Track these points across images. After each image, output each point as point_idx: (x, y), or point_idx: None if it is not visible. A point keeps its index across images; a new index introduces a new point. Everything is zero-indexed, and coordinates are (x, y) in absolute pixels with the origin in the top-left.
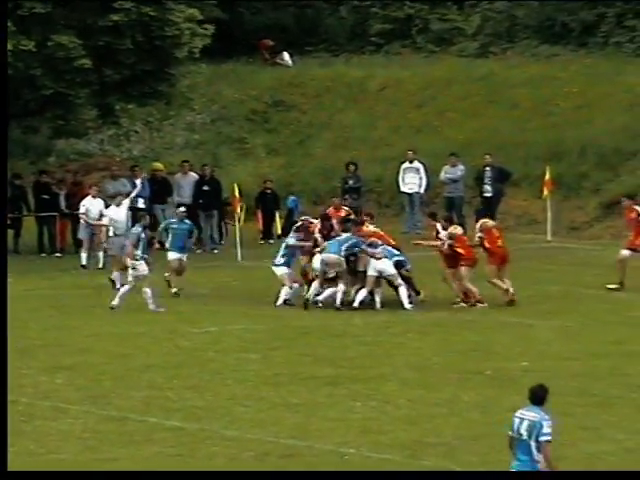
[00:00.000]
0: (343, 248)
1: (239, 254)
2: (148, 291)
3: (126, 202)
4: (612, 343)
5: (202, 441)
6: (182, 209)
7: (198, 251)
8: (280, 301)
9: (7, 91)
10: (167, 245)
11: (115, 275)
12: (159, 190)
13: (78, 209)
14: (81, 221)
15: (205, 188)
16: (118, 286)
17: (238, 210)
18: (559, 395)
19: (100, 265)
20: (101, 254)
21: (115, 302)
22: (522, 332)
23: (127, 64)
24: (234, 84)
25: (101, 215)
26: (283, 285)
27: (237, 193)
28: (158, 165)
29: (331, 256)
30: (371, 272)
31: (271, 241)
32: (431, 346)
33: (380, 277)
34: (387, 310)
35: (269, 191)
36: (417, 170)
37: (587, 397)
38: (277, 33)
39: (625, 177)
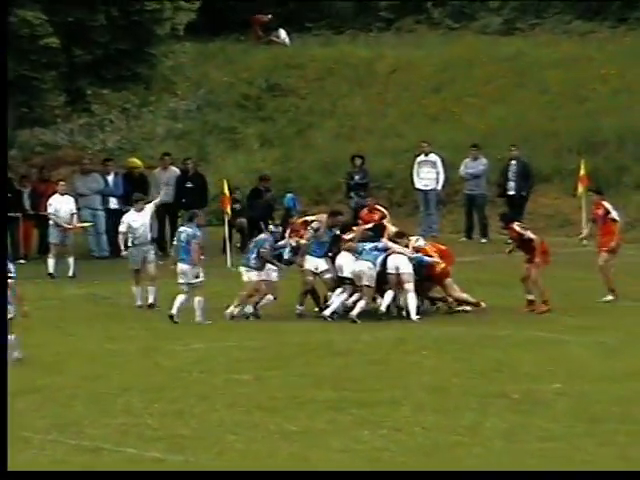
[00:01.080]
0: (379, 261)
1: (229, 260)
2: (202, 300)
3: (150, 207)
4: None
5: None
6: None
7: None
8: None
9: (7, 92)
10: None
11: (135, 290)
12: (135, 190)
13: (44, 209)
14: (50, 222)
15: (188, 185)
16: (139, 303)
17: (228, 210)
18: (598, 422)
19: (70, 273)
20: (71, 260)
21: (174, 311)
22: (554, 349)
23: (100, 43)
24: (223, 66)
25: (72, 215)
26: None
27: (226, 190)
28: (135, 161)
29: (363, 266)
30: (389, 269)
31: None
32: (449, 365)
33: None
34: (398, 324)
35: (264, 189)
36: (433, 164)
37: (630, 424)
38: (272, 7)
39: None
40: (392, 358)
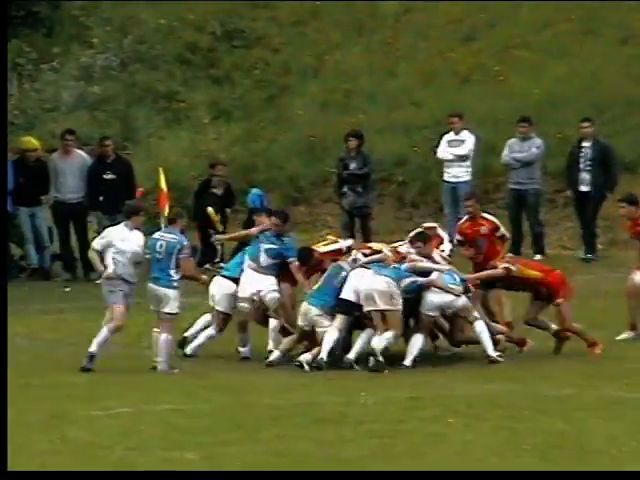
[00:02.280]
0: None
1: None
2: (169, 340)
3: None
4: None
5: None
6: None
7: (99, 281)
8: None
9: (6, 85)
10: None
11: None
12: (30, 181)
13: None
14: None
15: (108, 176)
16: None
17: (166, 211)
18: None
19: None
20: None
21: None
22: (638, 416)
23: None
24: (159, 4)
25: None
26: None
27: (163, 184)
28: (31, 142)
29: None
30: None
31: (221, 263)
32: (487, 440)
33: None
34: (411, 378)
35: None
36: (463, 144)
37: None
38: None
39: None
40: (403, 429)
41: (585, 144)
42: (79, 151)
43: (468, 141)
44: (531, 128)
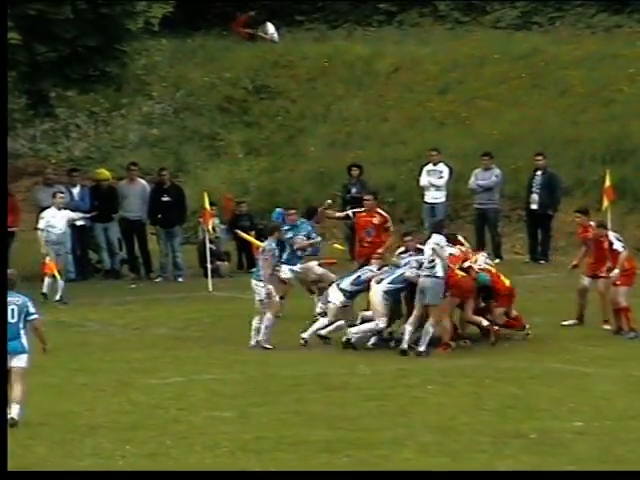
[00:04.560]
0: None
1: (210, 283)
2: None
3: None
4: None
5: None
6: (292, 211)
7: (158, 279)
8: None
9: (6, 92)
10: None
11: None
12: (103, 204)
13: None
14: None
15: (165, 199)
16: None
17: (210, 227)
18: (623, 464)
19: (57, 297)
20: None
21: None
22: (575, 383)
23: (65, 39)
24: (203, 64)
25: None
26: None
27: (207, 204)
28: (104, 173)
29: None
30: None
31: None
32: (457, 401)
33: None
34: (400, 355)
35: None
36: (440, 173)
37: None
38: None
39: None
40: (393, 393)
41: (538, 172)
42: (141, 180)
43: (444, 172)
44: (492, 161)
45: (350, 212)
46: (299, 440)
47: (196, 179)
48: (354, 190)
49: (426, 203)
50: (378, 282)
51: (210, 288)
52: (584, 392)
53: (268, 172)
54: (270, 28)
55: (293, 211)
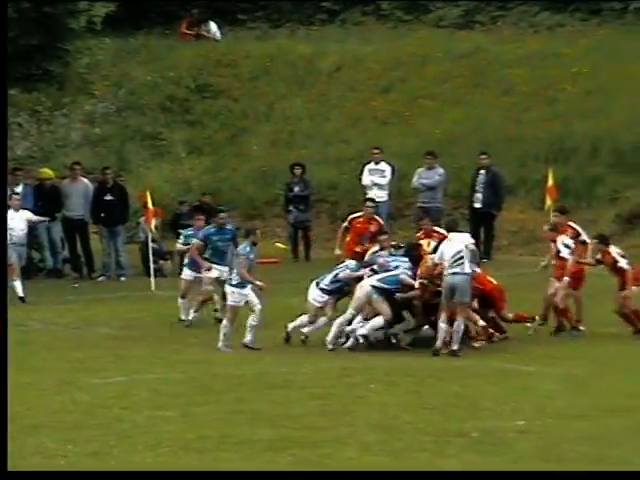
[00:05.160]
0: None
1: (152, 282)
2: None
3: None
4: (631, 396)
5: None
6: (223, 214)
7: (100, 279)
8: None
9: (6, 87)
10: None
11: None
12: (46, 203)
13: None
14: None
15: (108, 198)
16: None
17: (152, 226)
18: (565, 463)
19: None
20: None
21: (220, 344)
22: (517, 382)
23: (8, 37)
24: (146, 63)
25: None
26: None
27: (150, 204)
28: (46, 172)
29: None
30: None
31: None
32: (400, 400)
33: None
34: (344, 353)
35: (207, 207)
36: (382, 172)
37: (601, 466)
38: None
39: None
40: (336, 392)
41: (481, 171)
42: (83, 179)
43: (387, 171)
44: (435, 160)
45: (346, 223)
46: (242, 439)
47: (139, 178)
48: (297, 189)
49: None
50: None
51: (153, 287)
52: (526, 391)
53: (211, 171)
54: (213, 27)
55: (223, 215)
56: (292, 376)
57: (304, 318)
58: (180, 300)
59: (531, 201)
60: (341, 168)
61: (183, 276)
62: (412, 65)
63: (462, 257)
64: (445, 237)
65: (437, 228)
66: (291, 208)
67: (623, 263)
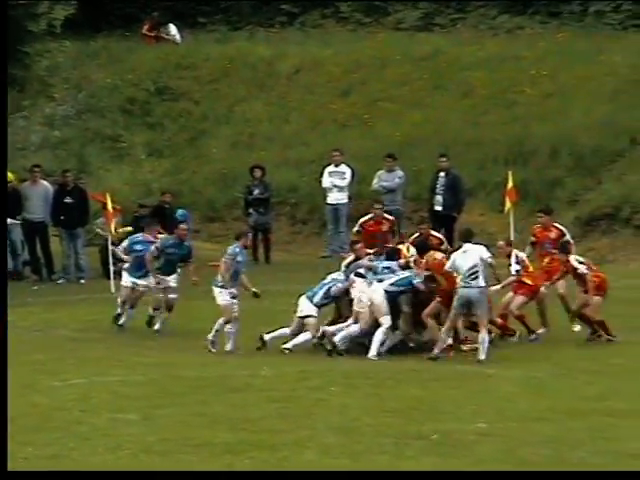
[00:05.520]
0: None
1: (112, 285)
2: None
3: None
4: (592, 399)
5: None
6: (184, 226)
7: (60, 281)
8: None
9: (6, 90)
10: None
11: None
12: (7, 206)
13: None
14: None
15: (68, 200)
16: None
17: (112, 227)
18: (525, 465)
19: None
20: None
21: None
22: (478, 385)
23: None
24: (106, 66)
25: None
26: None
27: (110, 206)
28: (7, 175)
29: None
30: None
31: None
32: (360, 403)
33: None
34: (303, 356)
35: (167, 206)
36: (342, 175)
37: (561, 468)
38: (161, 1)
39: (608, 184)
40: (296, 395)
41: (441, 174)
42: (43, 181)
43: (347, 173)
44: (395, 162)
45: (357, 227)
46: (202, 442)
47: (99, 181)
48: (256, 191)
49: (328, 204)
50: (379, 281)
51: (112, 290)
52: (487, 394)
53: (171, 173)
54: (172, 30)
55: (183, 226)
56: (252, 379)
57: (285, 331)
58: (130, 311)
59: (491, 204)
60: (301, 170)
61: (123, 283)
62: (372, 68)
63: (477, 271)
64: (441, 241)
65: (434, 232)
66: (251, 211)
67: (582, 269)
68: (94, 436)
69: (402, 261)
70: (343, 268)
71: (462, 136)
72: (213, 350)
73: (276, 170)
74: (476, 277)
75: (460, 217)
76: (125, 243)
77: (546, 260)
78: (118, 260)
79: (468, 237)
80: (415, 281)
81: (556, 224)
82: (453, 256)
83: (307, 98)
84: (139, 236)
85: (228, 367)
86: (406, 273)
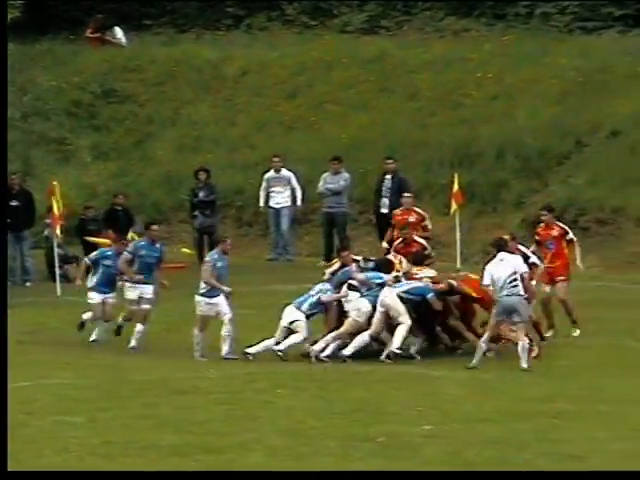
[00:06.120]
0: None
1: (58, 287)
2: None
3: None
4: (537, 400)
5: None
6: (155, 227)
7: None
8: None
9: (6, 86)
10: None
11: None
12: None
13: None
14: None
15: (13, 203)
16: None
17: (58, 231)
18: (471, 467)
19: None
20: None
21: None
22: (424, 387)
23: None
24: (51, 69)
25: None
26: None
27: (56, 209)
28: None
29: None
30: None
31: None
32: (306, 405)
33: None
34: (249, 360)
35: (120, 208)
36: (287, 181)
37: (506, 468)
38: (106, 3)
39: (555, 186)
40: (242, 397)
41: (387, 176)
42: None
43: (292, 179)
44: (340, 165)
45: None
46: (148, 444)
47: (44, 183)
48: (202, 194)
49: (271, 208)
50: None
51: (59, 293)
52: (432, 395)
53: (116, 176)
54: (118, 32)
55: (155, 227)
56: (198, 381)
57: (269, 342)
58: (105, 324)
59: (437, 206)
60: (247, 173)
61: (90, 300)
62: (318, 70)
63: (517, 279)
64: (424, 246)
65: (417, 238)
66: (196, 213)
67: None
68: (39, 439)
69: (392, 276)
70: (327, 275)
71: (408, 138)
72: (204, 359)
73: (222, 173)
74: (517, 285)
75: None
76: (94, 255)
77: (547, 259)
78: (64, 262)
79: (502, 246)
80: (429, 296)
81: (559, 222)
82: (488, 269)
83: (253, 101)
84: (108, 251)
85: (173, 369)
86: (420, 284)
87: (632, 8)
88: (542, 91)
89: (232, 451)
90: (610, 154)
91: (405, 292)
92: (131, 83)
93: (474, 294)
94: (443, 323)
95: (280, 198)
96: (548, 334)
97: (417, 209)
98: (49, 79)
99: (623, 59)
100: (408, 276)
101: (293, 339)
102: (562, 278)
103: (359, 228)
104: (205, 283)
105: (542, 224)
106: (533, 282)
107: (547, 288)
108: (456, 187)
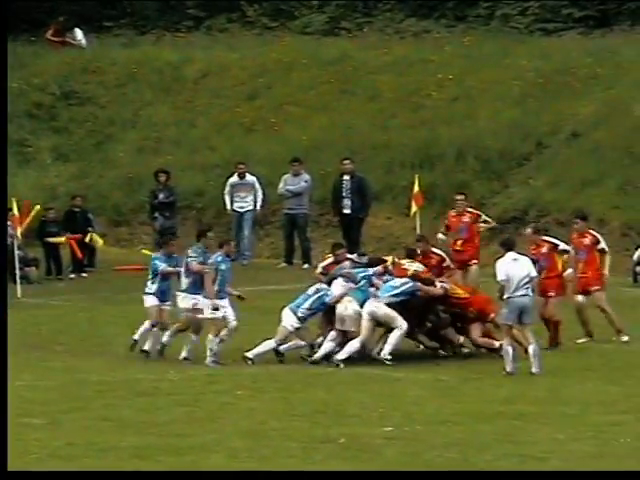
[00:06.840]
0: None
1: (19, 289)
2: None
3: None
4: (499, 402)
5: None
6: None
7: None
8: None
9: (6, 88)
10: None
11: None
12: None
13: None
14: None
15: None
16: None
17: (19, 233)
18: (433, 468)
19: None
20: None
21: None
22: (385, 388)
23: None
24: (11, 70)
25: None
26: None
27: (16, 211)
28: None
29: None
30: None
31: (84, 274)
32: (267, 407)
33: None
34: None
35: (78, 209)
36: (251, 186)
37: (467, 469)
38: (66, 5)
39: (515, 188)
40: (203, 399)
41: (345, 177)
42: None
43: (256, 184)
44: (301, 166)
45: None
46: (109, 446)
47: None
48: (161, 196)
49: (234, 211)
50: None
51: (19, 294)
52: (394, 397)
53: (77, 178)
54: (78, 34)
55: (173, 241)
56: (159, 383)
57: (270, 343)
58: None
59: (397, 207)
60: (207, 175)
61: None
62: (278, 72)
63: (530, 280)
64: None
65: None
66: (156, 215)
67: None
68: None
69: (379, 268)
70: (320, 270)
71: (369, 140)
72: (220, 363)
73: (182, 174)
74: (529, 287)
75: (366, 220)
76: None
77: (579, 268)
78: (25, 264)
79: (512, 246)
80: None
81: (591, 230)
82: (502, 266)
83: (213, 102)
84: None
85: (134, 371)
86: (409, 284)
87: (593, 9)
88: (503, 92)
89: (193, 452)
90: (571, 155)
91: (393, 296)
92: (91, 85)
93: (465, 295)
94: (432, 332)
95: (244, 202)
96: (581, 340)
97: (470, 209)
98: (10, 81)
99: (584, 60)
100: (396, 266)
101: (294, 344)
102: (597, 288)
103: (320, 229)
104: (207, 289)
105: (575, 232)
106: (569, 270)
107: (579, 297)
108: (416, 188)
